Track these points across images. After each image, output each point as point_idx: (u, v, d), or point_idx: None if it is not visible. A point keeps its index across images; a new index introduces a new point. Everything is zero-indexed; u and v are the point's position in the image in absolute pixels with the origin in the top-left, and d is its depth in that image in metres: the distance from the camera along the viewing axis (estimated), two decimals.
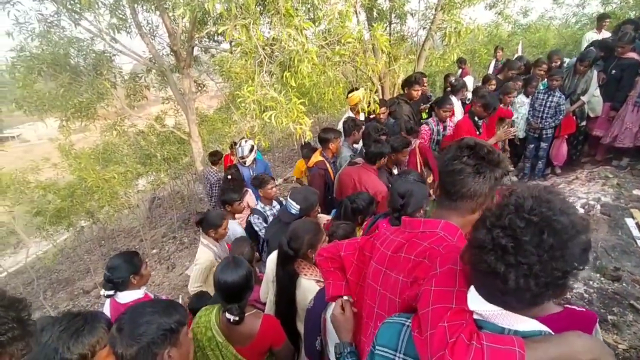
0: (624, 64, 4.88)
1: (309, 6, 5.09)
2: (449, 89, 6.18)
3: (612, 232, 3.44)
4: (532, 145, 5.54)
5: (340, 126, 4.57)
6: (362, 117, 5.13)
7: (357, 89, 5.24)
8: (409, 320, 0.96)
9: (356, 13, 7.63)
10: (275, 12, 3.39)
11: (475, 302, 0.83)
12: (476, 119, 4.52)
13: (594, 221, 3.61)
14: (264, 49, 3.61)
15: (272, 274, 2.14)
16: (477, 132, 4.62)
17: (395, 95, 6.68)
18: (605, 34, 6.30)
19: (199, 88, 8.10)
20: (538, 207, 0.76)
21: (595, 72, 5.03)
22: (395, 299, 1.06)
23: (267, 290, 2.27)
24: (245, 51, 3.62)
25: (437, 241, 1.06)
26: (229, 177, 4.77)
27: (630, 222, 3.46)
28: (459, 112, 5.25)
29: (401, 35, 9.24)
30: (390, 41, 9.64)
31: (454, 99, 5.46)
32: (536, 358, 0.75)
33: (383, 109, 4.90)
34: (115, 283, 2.07)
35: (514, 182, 5.96)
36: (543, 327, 0.83)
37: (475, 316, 0.84)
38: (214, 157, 6.16)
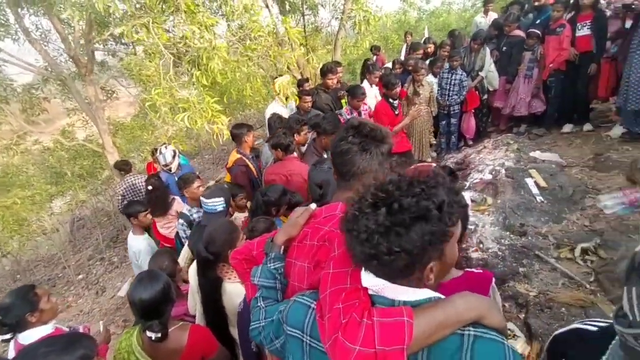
0: (512, 41, 5.43)
1: (220, 2, 4.91)
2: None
3: (516, 192, 3.83)
4: (443, 122, 5.94)
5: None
6: (291, 106, 5.11)
7: (282, 75, 5.25)
8: (314, 303, 0.97)
9: (268, 6, 7.54)
10: (175, 9, 3.21)
11: (366, 278, 0.87)
12: (391, 100, 4.74)
13: (500, 184, 4.00)
14: (168, 48, 3.41)
15: (196, 285, 2.06)
16: (395, 113, 4.85)
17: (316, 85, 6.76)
18: (493, 16, 6.91)
19: (108, 95, 7.46)
20: (391, 186, 0.82)
21: (487, 50, 5.53)
22: (303, 287, 1.07)
23: (194, 303, 2.18)
24: (148, 52, 3.40)
25: (337, 224, 1.08)
26: (150, 187, 4.47)
27: (529, 181, 3.88)
28: (372, 97, 5.46)
29: (315, 26, 9.35)
30: (305, 32, 9.73)
31: (367, 84, 5.67)
32: (424, 323, 0.79)
33: (308, 98, 4.92)
34: (10, 325, 1.85)
35: (433, 157, 6.40)
36: (432, 294, 0.87)
37: (370, 292, 0.87)
38: (125, 166, 5.72)
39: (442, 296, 0.88)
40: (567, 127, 5.09)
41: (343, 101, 5.86)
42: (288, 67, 6.15)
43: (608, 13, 4.63)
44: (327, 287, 0.90)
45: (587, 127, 4.96)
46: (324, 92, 5.32)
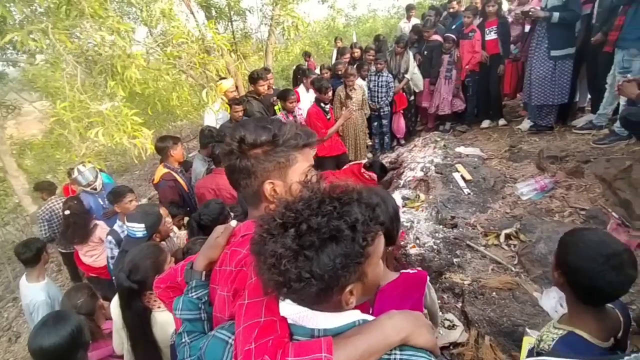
0: (431, 45, 5.79)
1: (139, 7, 4.59)
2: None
3: (445, 187, 4.05)
4: (375, 123, 6.16)
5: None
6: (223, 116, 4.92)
7: (225, 78, 5.08)
8: (233, 337, 0.87)
9: (192, 13, 7.25)
10: (79, 13, 2.90)
11: (284, 306, 0.80)
12: (322, 104, 4.79)
13: (431, 180, 4.20)
14: (76, 56, 3.08)
15: (121, 320, 1.83)
16: (327, 117, 4.91)
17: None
18: (415, 21, 7.34)
19: (8, 110, 6.60)
20: (301, 205, 0.76)
21: (411, 53, 5.84)
22: (225, 318, 0.97)
23: (120, 341, 1.94)
24: (50, 61, 3.04)
25: None
26: (67, 212, 4.00)
27: (456, 175, 4.13)
28: (307, 101, 5.48)
29: (245, 32, 9.22)
30: (234, 39, 9.55)
31: (302, 89, 5.68)
32: (345, 356, 0.72)
33: (238, 107, 4.78)
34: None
35: (369, 158, 6.59)
36: (357, 317, 0.80)
37: (289, 321, 0.80)
38: (49, 187, 5.12)
39: (369, 317, 0.83)
40: (485, 123, 5.53)
41: (276, 107, 5.80)
42: (218, 75, 5.99)
43: (510, 19, 5.13)
44: (240, 322, 0.81)
45: (502, 122, 5.43)
46: (255, 100, 5.20)
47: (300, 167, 1.03)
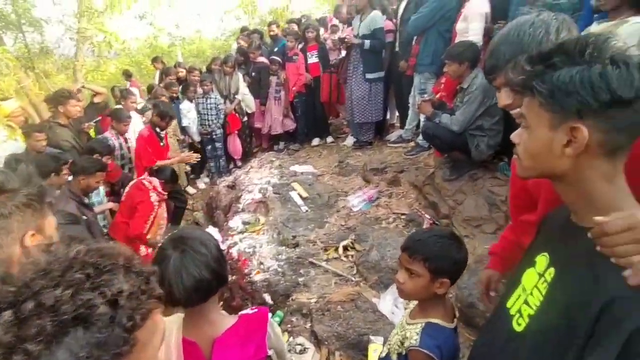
0: (259, 67, 5.87)
1: None
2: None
3: (284, 206, 4.00)
4: (209, 147, 5.88)
5: None
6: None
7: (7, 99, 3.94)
8: None
9: None
10: None
11: None
12: (158, 130, 4.39)
13: (270, 201, 4.09)
14: None
15: None
16: (160, 144, 4.41)
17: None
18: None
19: None
20: (32, 274, 0.51)
21: (240, 74, 5.79)
22: None
23: None
24: None
25: None
26: None
27: (293, 194, 4.15)
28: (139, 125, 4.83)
29: (43, 46, 7.73)
30: (29, 53, 7.79)
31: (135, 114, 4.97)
32: None
33: (40, 135, 3.74)
34: None
35: (206, 183, 6.14)
36: None
37: None
38: None
39: None
40: (316, 141, 5.85)
41: (91, 131, 4.85)
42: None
43: (328, 45, 5.60)
44: None
45: (330, 139, 5.84)
46: (61, 126, 4.14)
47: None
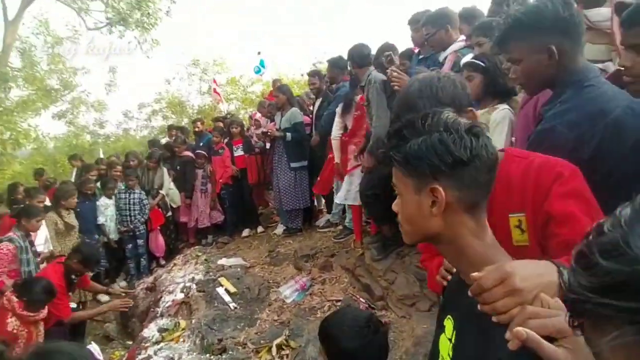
0: (184, 160, 5.82)
1: None
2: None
3: (210, 305, 3.62)
4: (129, 245, 5.42)
5: None
6: None
7: None
8: None
9: None
10: None
11: None
12: (73, 277, 3.46)
13: (193, 301, 3.68)
14: None
15: None
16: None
17: None
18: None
19: None
20: None
21: (164, 169, 5.66)
22: None
23: None
24: None
25: None
26: None
27: (220, 290, 3.80)
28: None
29: None
30: None
31: None
32: None
33: None
34: None
35: (123, 286, 5.43)
36: None
37: None
38: None
39: None
40: (246, 232, 5.64)
41: None
42: None
43: (253, 138, 5.78)
44: None
45: (260, 229, 5.68)
46: None
47: None
